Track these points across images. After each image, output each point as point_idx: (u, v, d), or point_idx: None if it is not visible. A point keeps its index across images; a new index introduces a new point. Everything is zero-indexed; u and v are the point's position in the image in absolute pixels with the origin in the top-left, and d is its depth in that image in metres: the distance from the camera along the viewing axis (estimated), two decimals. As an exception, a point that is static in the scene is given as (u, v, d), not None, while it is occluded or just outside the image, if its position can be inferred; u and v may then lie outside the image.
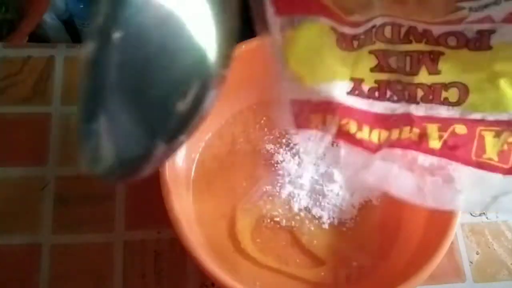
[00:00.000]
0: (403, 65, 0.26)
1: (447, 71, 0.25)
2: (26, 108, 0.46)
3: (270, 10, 0.25)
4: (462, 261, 0.43)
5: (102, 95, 0.18)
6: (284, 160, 0.43)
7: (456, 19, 0.23)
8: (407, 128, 0.28)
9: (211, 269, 0.33)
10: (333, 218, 0.41)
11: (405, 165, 0.30)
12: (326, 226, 0.41)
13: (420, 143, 0.28)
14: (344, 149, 0.31)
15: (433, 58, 0.25)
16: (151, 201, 0.37)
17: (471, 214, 0.45)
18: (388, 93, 0.27)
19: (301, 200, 0.41)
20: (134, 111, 0.18)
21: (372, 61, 0.26)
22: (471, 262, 0.43)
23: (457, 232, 0.44)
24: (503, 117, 0.26)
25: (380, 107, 0.27)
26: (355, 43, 0.25)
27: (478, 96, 0.26)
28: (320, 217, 0.41)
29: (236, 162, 0.43)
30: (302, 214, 0.41)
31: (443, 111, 0.26)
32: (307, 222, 0.41)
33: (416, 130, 0.28)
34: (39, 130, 0.45)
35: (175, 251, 0.41)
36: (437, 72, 0.25)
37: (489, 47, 0.24)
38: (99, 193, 0.43)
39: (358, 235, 0.41)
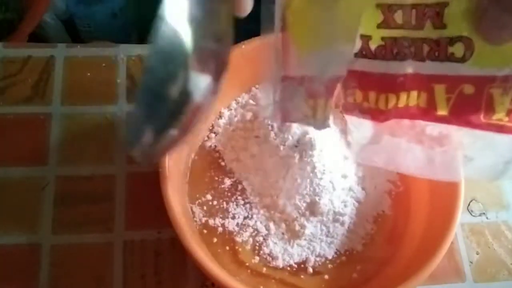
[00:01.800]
0: (409, 19, 0.25)
1: (452, 23, 0.25)
2: (26, 108, 0.46)
3: None
4: (462, 261, 0.43)
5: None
6: None
7: None
8: (414, 93, 0.27)
9: (211, 269, 0.33)
10: (347, 244, 0.40)
11: (414, 138, 0.30)
12: (342, 251, 0.40)
13: (428, 111, 0.28)
14: (351, 124, 0.30)
15: (438, 11, 0.25)
16: (151, 201, 0.37)
17: (471, 214, 0.45)
18: (395, 51, 0.26)
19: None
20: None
21: (379, 17, 0.26)
22: (471, 262, 0.43)
23: (457, 232, 0.44)
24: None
25: (387, 67, 0.27)
26: None
27: (484, 49, 0.25)
28: (337, 250, 0.40)
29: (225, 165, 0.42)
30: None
31: (450, 69, 0.26)
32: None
33: (423, 95, 0.27)
34: (39, 130, 0.45)
35: (175, 251, 0.41)
36: (443, 26, 0.25)
37: None
38: (99, 193, 0.43)
39: (369, 247, 0.40)
